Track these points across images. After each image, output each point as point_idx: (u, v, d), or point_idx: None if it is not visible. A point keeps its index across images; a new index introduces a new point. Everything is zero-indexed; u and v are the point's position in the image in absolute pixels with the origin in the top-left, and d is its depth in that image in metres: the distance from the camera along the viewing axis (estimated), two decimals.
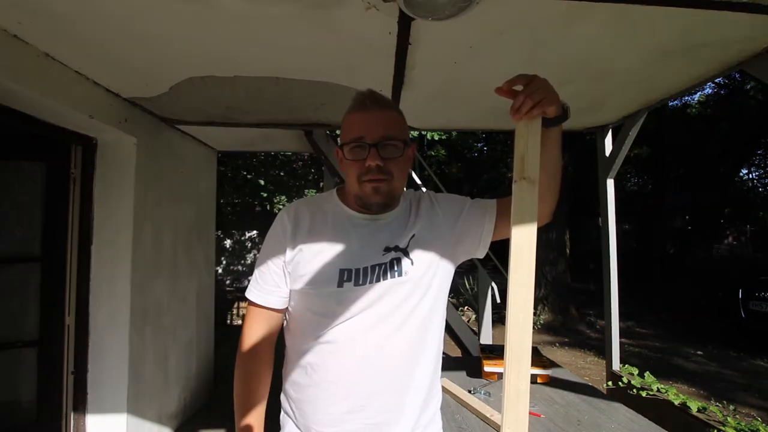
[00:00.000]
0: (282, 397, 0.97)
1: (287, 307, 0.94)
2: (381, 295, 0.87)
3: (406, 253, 0.90)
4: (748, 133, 10.96)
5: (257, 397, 0.91)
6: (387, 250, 0.90)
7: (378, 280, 0.87)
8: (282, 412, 0.97)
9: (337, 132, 5.40)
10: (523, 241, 0.78)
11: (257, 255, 0.94)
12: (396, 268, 0.88)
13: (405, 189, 1.00)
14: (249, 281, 0.94)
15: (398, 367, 0.88)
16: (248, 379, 0.91)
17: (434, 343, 0.94)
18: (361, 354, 0.86)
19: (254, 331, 0.92)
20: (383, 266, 0.88)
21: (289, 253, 0.89)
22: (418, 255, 0.91)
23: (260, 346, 0.92)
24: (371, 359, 0.86)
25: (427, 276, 0.91)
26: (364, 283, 0.87)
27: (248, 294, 0.93)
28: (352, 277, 0.86)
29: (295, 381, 0.91)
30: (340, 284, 0.86)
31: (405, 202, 0.98)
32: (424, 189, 4.69)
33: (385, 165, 0.85)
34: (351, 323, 0.86)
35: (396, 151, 0.87)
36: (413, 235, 0.92)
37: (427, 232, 0.94)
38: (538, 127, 0.81)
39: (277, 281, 0.90)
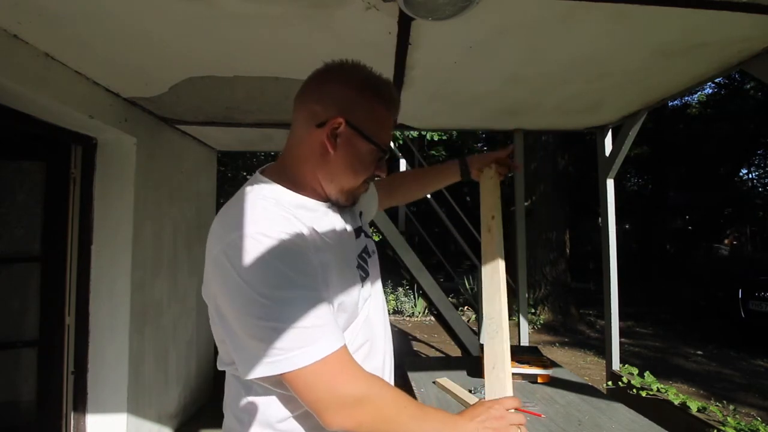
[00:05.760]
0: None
1: None
2: (375, 281, 0.86)
3: (367, 234, 0.91)
4: (748, 133, 10.97)
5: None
6: (357, 232, 0.86)
7: (371, 267, 0.86)
8: None
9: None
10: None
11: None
12: (371, 249, 0.89)
13: None
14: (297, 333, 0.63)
15: (392, 352, 0.89)
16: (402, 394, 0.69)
17: None
18: (381, 348, 0.83)
19: (361, 368, 0.68)
20: (364, 251, 0.86)
21: (322, 276, 0.69)
22: (367, 228, 0.93)
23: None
24: (387, 349, 0.85)
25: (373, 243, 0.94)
26: (367, 275, 0.82)
27: (331, 345, 0.63)
28: (363, 270, 0.82)
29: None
30: (362, 284, 0.79)
31: None
32: None
33: None
34: (372, 319, 0.81)
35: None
36: (360, 212, 0.93)
37: (361, 203, 0.93)
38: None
39: (331, 312, 0.69)
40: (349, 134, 0.73)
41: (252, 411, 0.72)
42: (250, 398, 0.72)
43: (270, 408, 0.71)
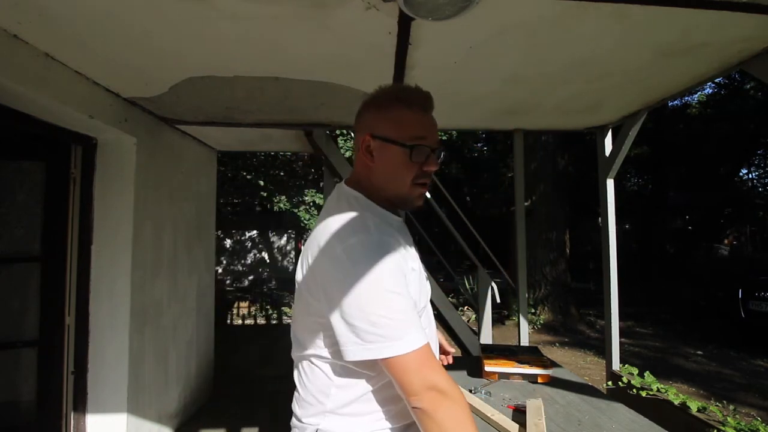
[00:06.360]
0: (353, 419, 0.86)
1: None
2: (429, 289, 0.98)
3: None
4: (748, 133, 10.97)
5: None
6: (414, 244, 1.01)
7: (426, 276, 0.98)
8: None
9: (338, 132, 5.38)
10: None
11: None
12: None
13: None
14: (382, 326, 0.74)
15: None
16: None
17: None
18: (434, 339, 0.96)
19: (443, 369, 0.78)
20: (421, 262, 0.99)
21: (411, 278, 0.85)
22: None
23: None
24: (435, 350, 0.95)
25: None
26: (427, 281, 0.96)
27: (421, 339, 0.75)
28: (426, 277, 0.96)
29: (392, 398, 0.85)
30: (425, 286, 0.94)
31: None
32: (426, 192, 4.67)
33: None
34: (429, 313, 0.95)
35: (438, 158, 0.90)
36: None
37: None
38: None
39: (416, 310, 0.82)
40: (377, 145, 0.85)
41: (333, 391, 0.85)
42: (333, 379, 0.85)
43: (349, 387, 0.84)
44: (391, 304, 0.75)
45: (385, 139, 0.84)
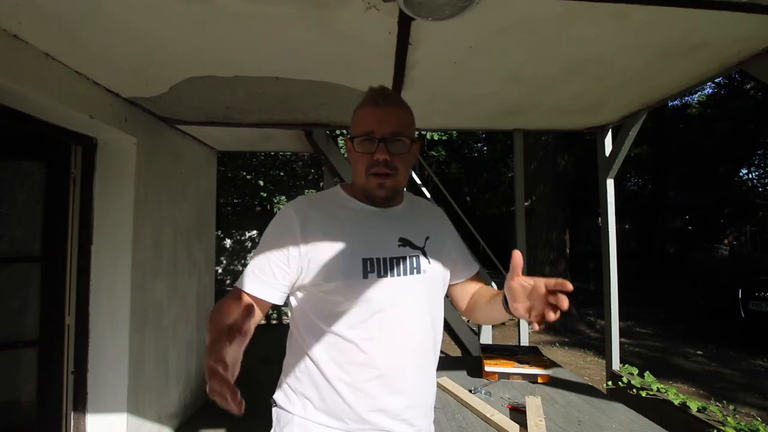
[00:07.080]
0: (287, 395, 0.94)
1: (300, 309, 0.93)
2: (406, 290, 0.90)
3: (424, 253, 0.95)
4: (748, 133, 10.98)
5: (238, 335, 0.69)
6: (403, 242, 0.93)
7: (400, 275, 0.90)
8: (281, 410, 0.94)
9: (338, 132, 5.38)
10: None
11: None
12: (415, 265, 0.92)
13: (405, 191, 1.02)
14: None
15: (423, 362, 0.93)
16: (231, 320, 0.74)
17: (440, 340, 0.99)
18: (400, 356, 0.88)
19: (241, 309, 0.76)
20: (402, 260, 0.91)
21: (302, 247, 0.87)
22: (433, 255, 0.96)
23: (242, 319, 0.71)
24: (402, 354, 0.89)
25: (440, 275, 0.97)
26: (385, 275, 0.88)
27: (245, 286, 0.86)
28: (375, 267, 0.88)
29: (316, 381, 0.89)
30: (365, 275, 0.87)
31: (409, 201, 1.04)
32: (426, 192, 4.69)
33: (392, 160, 0.89)
34: (381, 319, 0.87)
35: (403, 147, 0.91)
36: (428, 237, 0.97)
37: (439, 238, 1.00)
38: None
39: (278, 274, 0.87)
40: (349, 146, 0.94)
41: (287, 352, 0.99)
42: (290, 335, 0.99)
43: (289, 340, 0.99)
44: (256, 254, 0.90)
45: (349, 139, 0.95)
